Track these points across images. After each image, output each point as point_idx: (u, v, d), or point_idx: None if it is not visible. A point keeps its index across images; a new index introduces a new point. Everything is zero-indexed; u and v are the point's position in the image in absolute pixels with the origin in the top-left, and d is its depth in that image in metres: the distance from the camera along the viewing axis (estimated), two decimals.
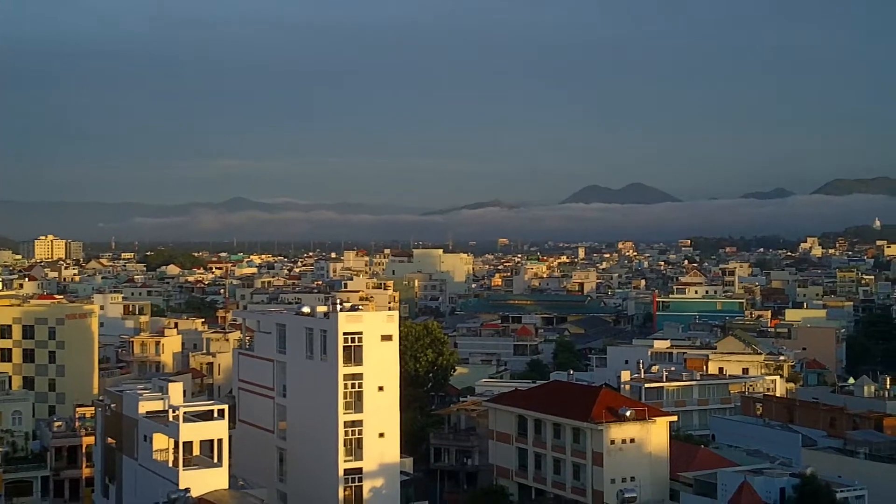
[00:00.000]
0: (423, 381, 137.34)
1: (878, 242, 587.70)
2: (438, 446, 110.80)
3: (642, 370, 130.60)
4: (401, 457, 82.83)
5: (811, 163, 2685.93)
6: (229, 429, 78.51)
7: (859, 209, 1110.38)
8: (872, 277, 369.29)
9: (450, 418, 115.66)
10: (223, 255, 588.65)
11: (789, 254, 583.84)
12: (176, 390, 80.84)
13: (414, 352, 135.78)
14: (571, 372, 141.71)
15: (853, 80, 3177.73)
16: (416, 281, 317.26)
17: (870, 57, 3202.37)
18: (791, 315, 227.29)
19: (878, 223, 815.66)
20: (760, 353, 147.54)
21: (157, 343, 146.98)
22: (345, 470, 77.86)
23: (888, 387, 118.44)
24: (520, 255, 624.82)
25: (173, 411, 76.18)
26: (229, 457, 76.50)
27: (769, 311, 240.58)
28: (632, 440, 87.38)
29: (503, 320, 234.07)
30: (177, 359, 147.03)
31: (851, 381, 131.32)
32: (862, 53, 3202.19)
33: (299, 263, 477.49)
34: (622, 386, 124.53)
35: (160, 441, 76.76)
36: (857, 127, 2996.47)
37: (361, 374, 78.79)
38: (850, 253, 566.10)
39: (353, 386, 78.68)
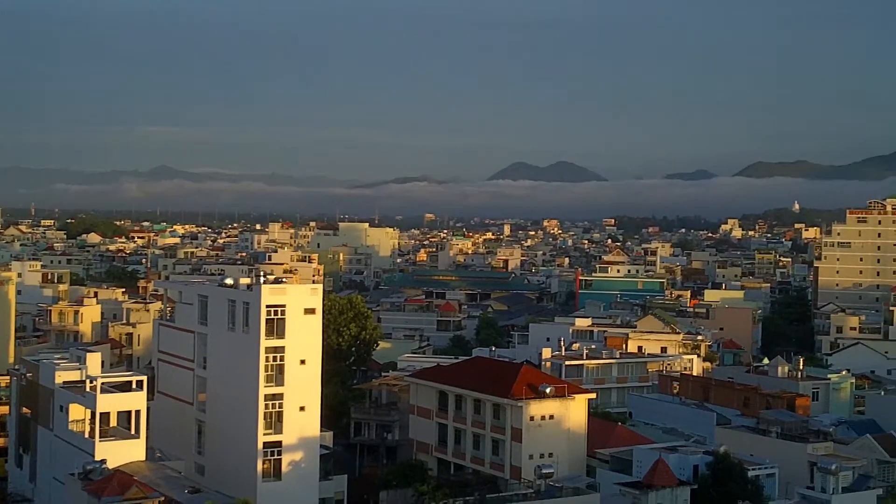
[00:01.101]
0: (346, 355, 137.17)
1: (797, 225, 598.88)
2: (359, 420, 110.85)
3: (563, 348, 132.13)
4: (321, 431, 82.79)
5: (734, 145, 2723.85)
6: (147, 400, 77.99)
7: (779, 192, 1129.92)
8: (790, 260, 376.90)
9: (371, 393, 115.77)
10: (146, 224, 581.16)
11: (710, 235, 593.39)
12: (94, 361, 79.99)
13: (337, 326, 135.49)
14: (493, 348, 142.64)
15: (776, 65, 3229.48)
16: (341, 254, 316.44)
17: (790, 43, 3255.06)
18: (710, 295, 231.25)
19: (796, 206, 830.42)
20: (679, 333, 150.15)
21: (76, 312, 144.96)
22: (264, 443, 77.60)
23: (801, 368, 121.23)
24: (446, 231, 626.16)
25: (90, 382, 75.35)
26: (147, 429, 76.00)
27: (689, 291, 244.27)
28: (551, 417, 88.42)
29: (427, 296, 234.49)
30: (96, 329, 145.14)
31: (766, 361, 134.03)
32: (781, 40, 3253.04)
33: (224, 234, 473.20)
34: (543, 363, 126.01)
35: (76, 412, 75.94)
36: (779, 111, 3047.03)
37: (283, 348, 78.46)
38: (768, 235, 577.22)
39: (274, 359, 78.32)
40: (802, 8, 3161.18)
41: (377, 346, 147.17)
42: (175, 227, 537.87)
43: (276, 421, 78.15)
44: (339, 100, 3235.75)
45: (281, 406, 78.19)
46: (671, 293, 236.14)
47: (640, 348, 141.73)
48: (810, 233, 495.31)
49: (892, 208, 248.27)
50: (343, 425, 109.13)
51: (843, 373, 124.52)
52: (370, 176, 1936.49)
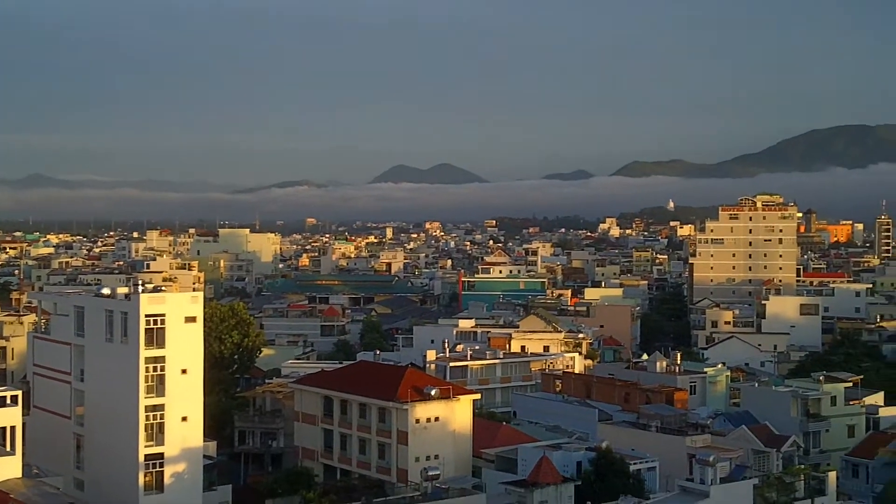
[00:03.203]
0: (229, 363, 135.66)
1: (672, 223, 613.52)
2: (243, 429, 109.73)
3: (447, 349, 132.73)
4: (204, 440, 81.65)
5: (611, 145, 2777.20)
6: (23, 415, 75.81)
7: (655, 191, 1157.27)
8: (666, 257, 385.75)
9: (255, 401, 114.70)
10: (18, 234, 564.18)
11: (589, 234, 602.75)
12: None
13: (219, 333, 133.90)
14: (378, 352, 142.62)
15: (652, 66, 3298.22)
16: (222, 261, 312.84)
17: (664, 44, 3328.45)
18: (590, 294, 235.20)
19: (671, 205, 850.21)
20: (561, 331, 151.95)
21: None
22: (145, 455, 76.14)
23: (678, 362, 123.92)
24: (328, 235, 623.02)
25: None
26: (23, 444, 73.88)
27: (570, 290, 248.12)
28: (436, 419, 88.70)
29: (310, 301, 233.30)
30: None
31: (645, 357, 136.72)
32: (659, 41, 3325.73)
33: (100, 243, 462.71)
34: (428, 365, 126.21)
35: None
36: (655, 111, 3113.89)
37: (164, 357, 77.13)
38: (645, 233, 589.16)
39: (154, 369, 76.91)
40: (681, 11, 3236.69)
41: (260, 353, 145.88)
42: (49, 236, 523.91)
43: (157, 432, 76.77)
44: (215, 104, 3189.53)
45: (162, 417, 76.85)
46: (552, 292, 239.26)
47: (523, 348, 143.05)
48: (685, 230, 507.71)
49: (763, 205, 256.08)
50: (227, 434, 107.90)
51: (719, 366, 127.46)
52: (250, 181, 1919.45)
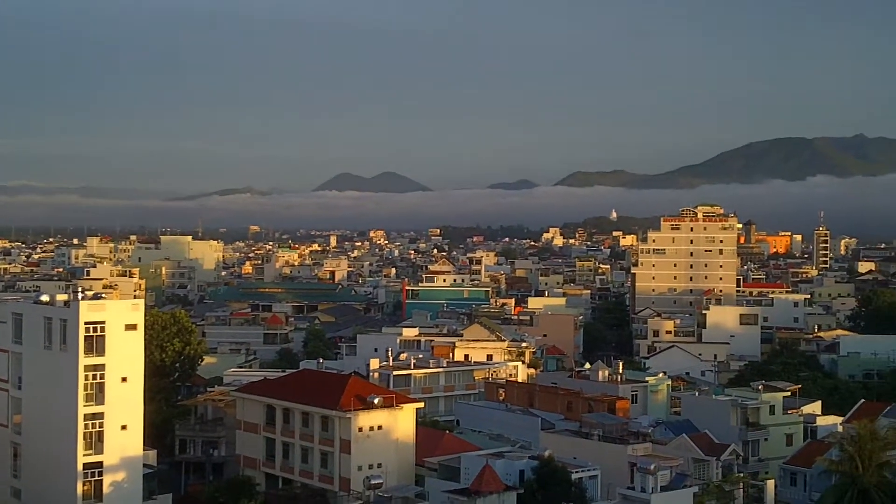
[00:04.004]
0: (170, 371, 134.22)
1: (615, 233, 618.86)
2: (184, 437, 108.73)
3: (391, 358, 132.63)
4: (144, 449, 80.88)
5: (554, 155, 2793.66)
6: None
7: (598, 201, 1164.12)
8: (608, 267, 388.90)
9: (196, 409, 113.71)
10: None
11: (533, 243, 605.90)
12: None
13: (160, 341, 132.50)
14: (321, 360, 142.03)
15: (595, 77, 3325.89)
16: (164, 268, 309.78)
17: (609, 56, 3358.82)
18: (533, 303, 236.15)
19: (614, 214, 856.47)
20: (504, 340, 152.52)
21: None
22: (84, 464, 75.26)
23: (620, 371, 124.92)
24: (271, 243, 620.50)
25: None
26: None
27: (513, 299, 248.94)
28: (379, 427, 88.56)
29: (253, 309, 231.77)
30: None
31: (587, 366, 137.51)
32: (601, 52, 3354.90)
33: (38, 250, 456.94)
34: (371, 374, 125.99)
35: None
36: (598, 121, 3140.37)
37: (104, 365, 76.30)
38: (588, 243, 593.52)
39: (94, 377, 76.10)
40: (621, 23, 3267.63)
41: (202, 361, 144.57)
42: None
43: (96, 441, 75.94)
44: (155, 110, 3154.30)
45: (101, 425, 76.01)
46: (496, 301, 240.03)
47: (466, 357, 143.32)
48: (627, 240, 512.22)
49: (704, 216, 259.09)
50: (167, 443, 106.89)
51: (660, 375, 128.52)
52: (191, 188, 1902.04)
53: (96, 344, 76.21)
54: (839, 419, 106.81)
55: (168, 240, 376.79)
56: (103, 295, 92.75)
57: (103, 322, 76.57)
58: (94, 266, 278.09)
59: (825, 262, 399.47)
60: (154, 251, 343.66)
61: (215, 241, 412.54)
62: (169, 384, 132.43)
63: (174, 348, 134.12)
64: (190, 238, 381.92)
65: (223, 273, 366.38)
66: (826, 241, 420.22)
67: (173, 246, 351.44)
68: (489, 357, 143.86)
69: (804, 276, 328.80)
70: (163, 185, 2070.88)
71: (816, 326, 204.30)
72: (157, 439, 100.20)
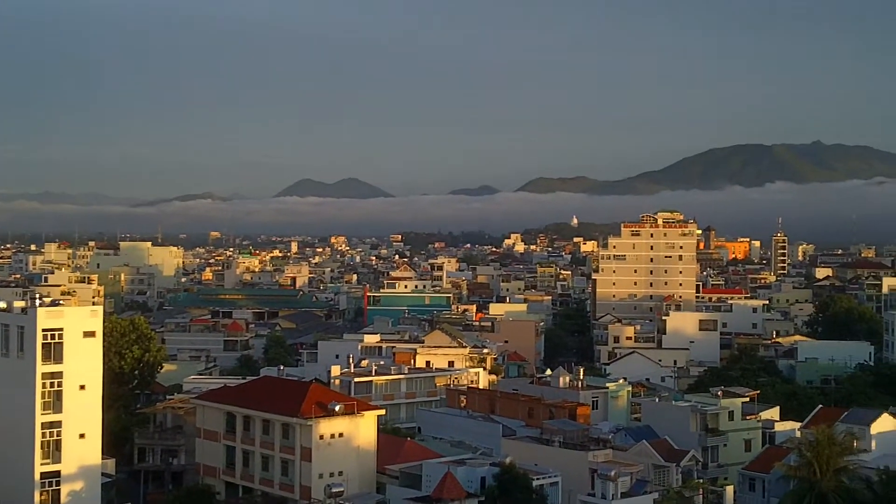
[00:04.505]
0: (129, 378, 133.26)
1: (576, 239, 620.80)
2: (143, 446, 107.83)
3: (352, 365, 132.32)
4: (103, 458, 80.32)
5: (516, 161, 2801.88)
6: None
7: (559, 207, 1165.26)
8: (569, 273, 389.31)
9: (155, 417, 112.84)
10: None
11: (494, 249, 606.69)
12: None
13: (119, 348, 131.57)
14: (282, 367, 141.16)
15: (557, 83, 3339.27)
16: (123, 275, 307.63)
17: (571, 63, 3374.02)
18: (495, 309, 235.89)
19: (575, 221, 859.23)
20: (465, 347, 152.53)
21: None
22: (42, 473, 74.66)
23: (581, 377, 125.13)
24: (232, 249, 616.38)
25: None
26: None
27: (475, 305, 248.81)
28: (340, 435, 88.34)
29: (213, 315, 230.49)
30: None
31: (549, 372, 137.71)
32: (563, 59, 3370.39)
33: None
34: (332, 381, 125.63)
35: None
36: (559, 127, 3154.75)
37: (62, 373, 75.81)
38: (549, 249, 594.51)
39: (52, 385, 75.57)
40: (583, 30, 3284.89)
41: (161, 368, 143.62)
42: None
43: (54, 450, 75.38)
44: (114, 115, 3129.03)
45: (59, 434, 75.46)
46: (457, 307, 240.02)
47: (428, 363, 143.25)
48: (588, 246, 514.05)
49: (664, 222, 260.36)
50: (126, 452, 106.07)
51: (621, 381, 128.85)
52: (150, 193, 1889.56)
53: (54, 351, 75.69)
54: (797, 425, 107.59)
55: (127, 246, 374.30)
56: (61, 301, 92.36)
57: (61, 329, 76.05)
58: (52, 272, 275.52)
59: (783, 268, 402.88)
60: (113, 257, 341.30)
61: (175, 248, 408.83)
62: (128, 392, 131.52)
63: (133, 355, 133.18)
64: (150, 244, 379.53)
65: (183, 279, 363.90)
66: (784, 248, 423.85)
67: (133, 252, 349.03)
68: (451, 363, 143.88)
69: (762, 281, 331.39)
70: (122, 191, 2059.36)
71: (775, 332, 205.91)
72: (116, 448, 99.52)
